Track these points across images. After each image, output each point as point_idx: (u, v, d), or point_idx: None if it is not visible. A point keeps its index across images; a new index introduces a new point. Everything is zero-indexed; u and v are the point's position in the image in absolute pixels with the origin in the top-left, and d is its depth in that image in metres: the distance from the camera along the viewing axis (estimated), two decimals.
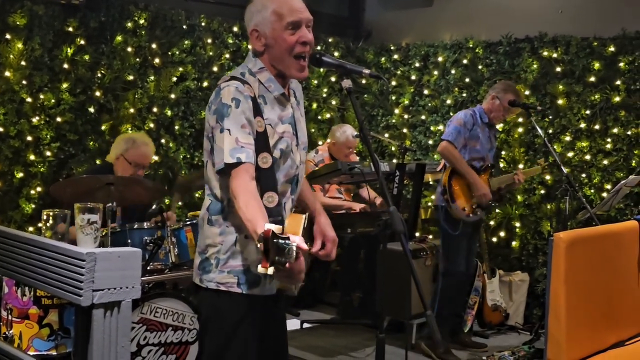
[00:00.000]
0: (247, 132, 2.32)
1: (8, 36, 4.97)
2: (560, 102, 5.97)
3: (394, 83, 7.12)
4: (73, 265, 1.90)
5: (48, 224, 2.27)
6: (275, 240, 1.91)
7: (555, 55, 6.03)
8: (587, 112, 5.86)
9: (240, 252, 2.41)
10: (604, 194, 5.64)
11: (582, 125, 5.87)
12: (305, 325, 5.79)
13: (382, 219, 2.42)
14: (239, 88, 2.35)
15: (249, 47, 2.52)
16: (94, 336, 1.91)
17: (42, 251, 2.01)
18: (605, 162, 5.76)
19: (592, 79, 5.83)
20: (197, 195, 5.88)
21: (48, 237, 2.22)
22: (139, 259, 1.95)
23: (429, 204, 6.55)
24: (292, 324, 5.81)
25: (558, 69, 6.00)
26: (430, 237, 5.78)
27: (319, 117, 7.08)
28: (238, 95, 2.33)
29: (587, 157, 5.84)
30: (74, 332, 3.51)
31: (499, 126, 6.23)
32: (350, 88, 2.37)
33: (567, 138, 5.91)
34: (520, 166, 6.09)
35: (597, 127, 5.81)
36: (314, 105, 7.02)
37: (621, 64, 5.71)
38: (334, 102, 7.21)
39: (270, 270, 1.91)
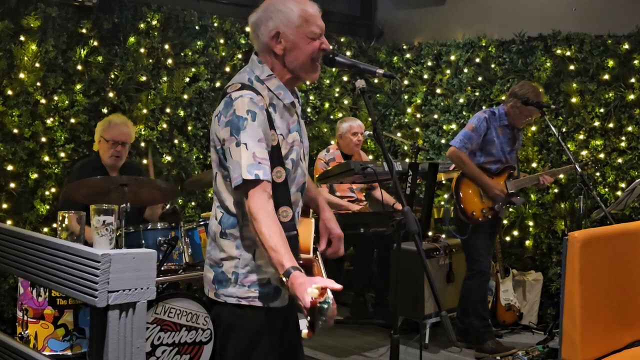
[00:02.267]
0: (264, 147, 2.27)
1: (22, 38, 5.00)
2: (574, 100, 5.93)
3: (406, 82, 7.10)
4: (88, 266, 1.91)
5: (63, 225, 2.28)
6: (319, 306, 1.97)
7: (568, 53, 5.99)
8: (601, 110, 5.82)
9: (259, 266, 2.37)
10: (619, 193, 5.61)
11: (596, 123, 5.84)
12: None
13: (396, 219, 2.41)
14: (253, 99, 2.28)
15: (255, 51, 2.46)
16: (109, 337, 1.91)
17: (58, 252, 2.02)
18: (620, 160, 5.73)
19: (606, 77, 5.79)
20: (209, 195, 5.90)
21: (63, 238, 2.23)
22: (154, 260, 1.96)
23: (442, 203, 6.54)
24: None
25: (572, 67, 5.97)
26: (444, 236, 5.77)
27: (332, 117, 7.07)
28: (253, 107, 2.27)
29: (602, 155, 5.80)
30: (89, 333, 3.53)
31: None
32: (363, 88, 2.37)
33: (581, 136, 5.88)
34: (534, 165, 6.05)
35: (611, 125, 5.77)
36: (327, 105, 7.02)
37: (635, 62, 5.67)
38: (346, 102, 7.21)
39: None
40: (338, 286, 2.07)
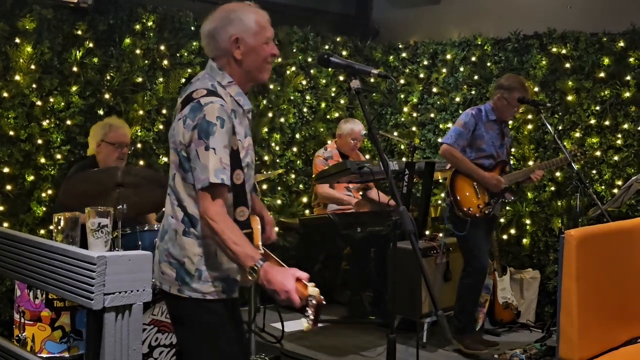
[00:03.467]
0: (228, 153, 2.41)
1: (17, 40, 4.99)
2: (569, 98, 5.94)
3: (402, 81, 7.11)
4: (84, 269, 1.92)
5: (59, 228, 2.28)
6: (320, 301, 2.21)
7: (564, 51, 6.00)
8: (597, 108, 5.83)
9: (221, 262, 2.51)
10: (615, 190, 5.62)
11: (592, 121, 5.84)
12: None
13: (392, 218, 2.42)
14: (224, 107, 2.41)
15: (213, 59, 2.60)
16: (105, 339, 1.92)
17: (54, 255, 2.02)
18: (616, 158, 5.73)
19: (602, 74, 5.80)
20: None
21: (59, 240, 2.23)
22: (150, 262, 1.96)
23: (439, 202, 6.55)
24: (303, 323, 5.81)
25: (567, 65, 5.97)
26: (441, 235, 5.77)
27: (328, 117, 7.08)
28: (223, 114, 2.40)
29: (598, 153, 5.81)
30: (86, 335, 3.53)
31: (509, 123, 6.22)
32: (358, 88, 2.41)
33: (577, 134, 5.89)
34: (530, 163, 6.06)
35: (607, 123, 5.78)
36: (323, 105, 7.02)
37: (631, 59, 5.68)
38: (342, 102, 7.21)
39: None
40: (305, 274, 2.33)
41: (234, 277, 2.55)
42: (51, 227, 4.98)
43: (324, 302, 2.25)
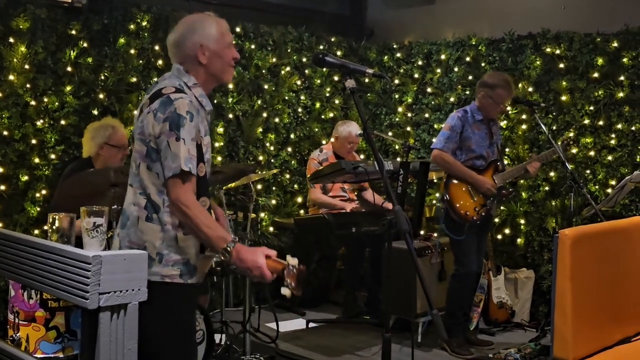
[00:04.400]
0: (195, 146, 2.60)
1: (11, 40, 4.98)
2: (563, 98, 5.96)
3: (397, 81, 7.12)
4: (79, 268, 1.91)
5: (54, 227, 2.28)
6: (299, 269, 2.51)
7: (558, 51, 6.02)
8: (591, 108, 5.85)
9: (182, 247, 2.62)
10: (609, 190, 5.63)
11: (586, 121, 5.86)
12: (311, 324, 5.79)
13: (387, 218, 2.43)
14: (193, 103, 2.63)
15: (179, 62, 2.77)
16: (100, 339, 1.92)
17: (49, 255, 2.02)
18: (610, 158, 5.75)
19: (596, 74, 5.82)
20: None
21: (54, 240, 2.22)
22: (145, 261, 1.96)
23: (434, 202, 6.56)
24: (298, 323, 5.82)
25: (561, 66, 5.99)
26: (435, 235, 5.78)
27: (322, 117, 7.08)
28: (192, 109, 2.60)
29: (592, 153, 5.83)
30: (81, 335, 3.52)
31: (503, 123, 6.24)
32: (353, 88, 2.43)
33: (571, 134, 5.90)
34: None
35: (601, 123, 5.80)
36: (317, 105, 7.02)
37: (625, 60, 5.69)
38: (337, 102, 7.21)
39: None
40: (274, 252, 2.61)
41: (193, 264, 2.67)
42: (45, 227, 4.98)
43: (304, 270, 2.53)
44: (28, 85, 5.06)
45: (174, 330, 2.65)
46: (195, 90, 2.72)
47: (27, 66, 5.04)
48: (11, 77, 4.97)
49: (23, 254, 2.13)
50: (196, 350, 2.89)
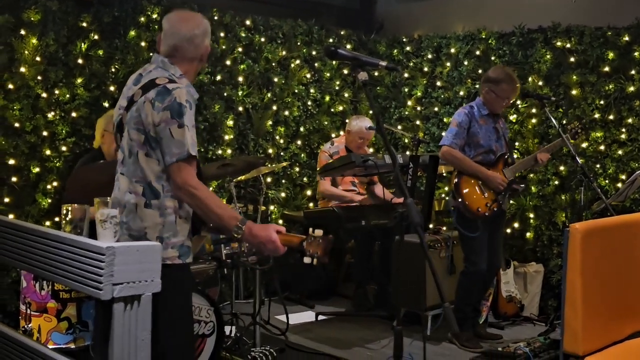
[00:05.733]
0: (194, 132, 2.72)
1: (23, 32, 5.00)
2: (574, 92, 5.93)
3: (406, 75, 7.10)
4: (93, 259, 1.92)
5: (67, 218, 2.29)
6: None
7: (568, 45, 5.99)
8: (602, 102, 5.82)
9: (179, 230, 2.75)
10: (619, 185, 5.62)
11: (597, 115, 5.84)
12: (320, 317, 5.81)
13: (399, 211, 2.43)
14: (189, 92, 2.74)
15: (169, 55, 2.87)
16: (114, 330, 1.93)
17: (62, 245, 2.03)
18: (620, 152, 5.73)
19: (606, 68, 5.79)
20: (210, 187, 5.90)
21: (67, 231, 2.24)
22: (159, 252, 1.97)
23: (443, 195, 6.55)
24: (307, 316, 5.83)
25: (572, 59, 5.97)
26: (444, 228, 5.78)
27: (332, 110, 7.08)
28: (190, 98, 2.72)
29: (602, 147, 5.81)
30: (94, 326, 3.54)
31: (512, 117, 6.23)
32: (365, 81, 2.43)
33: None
34: None
35: (611, 117, 5.78)
36: (327, 98, 7.02)
37: (636, 54, 5.67)
38: (346, 95, 7.21)
39: None
40: (283, 228, 2.72)
41: (188, 244, 2.80)
42: (56, 219, 5.01)
43: (331, 239, 2.65)
44: (39, 78, 5.08)
45: (177, 310, 2.73)
46: (182, 80, 2.81)
47: (38, 58, 5.06)
48: (22, 69, 4.99)
49: (37, 244, 2.14)
50: (192, 329, 3.11)
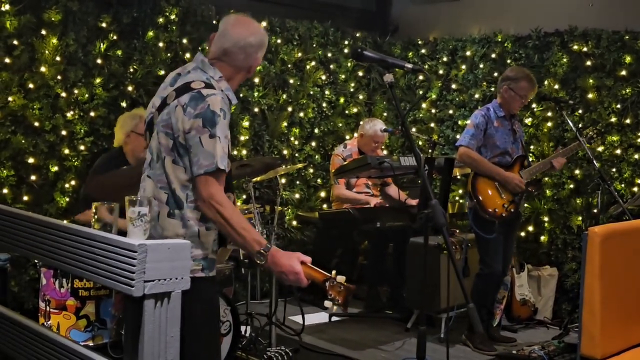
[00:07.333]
0: (227, 143, 2.58)
1: (43, 32, 5.04)
2: (590, 96, 5.93)
3: (421, 77, 7.12)
4: (125, 256, 1.95)
5: (97, 217, 2.32)
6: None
7: (585, 49, 5.99)
8: (618, 106, 5.82)
9: (202, 242, 2.62)
10: (635, 189, 5.62)
11: (613, 119, 5.84)
12: (334, 318, 5.83)
13: (424, 212, 2.44)
14: (224, 100, 2.58)
15: (214, 58, 2.75)
16: (145, 326, 1.95)
17: (94, 243, 2.06)
18: (636, 156, 5.73)
19: (623, 72, 5.79)
20: None
21: (96, 229, 2.27)
22: (189, 250, 1.99)
23: (456, 198, 6.56)
24: (321, 317, 5.85)
25: (588, 63, 5.97)
26: (458, 231, 5.79)
27: (346, 112, 7.10)
28: (225, 106, 2.56)
29: (618, 151, 5.80)
30: (125, 322, 3.57)
31: (528, 120, 6.23)
32: (392, 82, 2.44)
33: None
34: None
35: (628, 121, 5.77)
36: (342, 100, 7.05)
37: None
38: (361, 97, 7.23)
39: None
40: (308, 258, 2.56)
41: (212, 257, 2.67)
42: (75, 217, 5.04)
43: (353, 289, 2.51)
44: (59, 77, 5.12)
45: (200, 323, 2.61)
46: (222, 83, 2.67)
47: (58, 58, 5.10)
48: (42, 69, 5.03)
49: (68, 242, 2.17)
50: (219, 340, 2.94)
